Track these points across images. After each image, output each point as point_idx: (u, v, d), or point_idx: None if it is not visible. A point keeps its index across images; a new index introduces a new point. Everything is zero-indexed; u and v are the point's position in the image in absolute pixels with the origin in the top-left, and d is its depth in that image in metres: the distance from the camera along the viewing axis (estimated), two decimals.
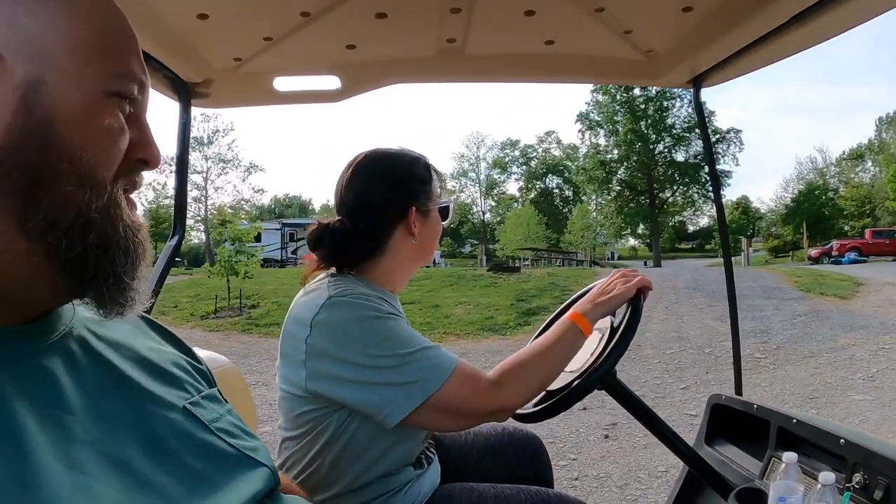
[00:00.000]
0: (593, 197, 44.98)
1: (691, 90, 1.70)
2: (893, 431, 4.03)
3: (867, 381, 5.35)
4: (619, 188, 41.75)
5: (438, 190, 1.26)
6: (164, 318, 10.90)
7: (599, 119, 42.11)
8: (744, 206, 51.54)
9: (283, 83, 1.63)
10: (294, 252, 29.51)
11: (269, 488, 0.66)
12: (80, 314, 0.60)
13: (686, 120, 39.25)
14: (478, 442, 1.41)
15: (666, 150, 40.57)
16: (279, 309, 11.14)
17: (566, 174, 54.05)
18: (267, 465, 0.67)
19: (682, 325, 8.50)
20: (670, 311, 9.38)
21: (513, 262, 27.58)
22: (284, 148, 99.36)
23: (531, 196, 54.50)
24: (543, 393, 1.20)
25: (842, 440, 1.14)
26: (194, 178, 36.97)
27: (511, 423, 1.32)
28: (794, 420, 1.30)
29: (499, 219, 52.82)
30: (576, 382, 1.14)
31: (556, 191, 56.14)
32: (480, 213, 56.92)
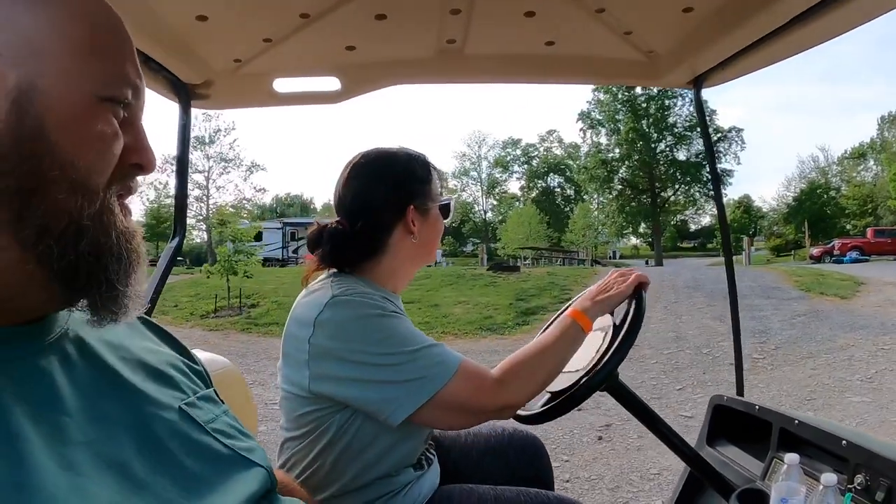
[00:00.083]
0: (595, 196, 44.92)
1: (692, 90, 1.70)
2: (891, 434, 4.01)
3: (865, 383, 5.33)
4: (620, 187, 41.70)
5: (439, 188, 1.26)
6: (164, 318, 10.92)
7: (601, 118, 42.05)
8: (745, 205, 51.47)
9: (282, 84, 1.63)
10: (295, 251, 29.52)
11: (265, 489, 0.66)
12: (76, 315, 0.60)
13: (687, 119, 39.20)
14: (478, 443, 1.41)
15: (667, 148, 40.52)
16: (279, 308, 11.15)
17: (568, 173, 54.04)
18: (263, 465, 0.67)
19: (680, 324, 8.47)
20: (669, 311, 9.35)
21: (513, 261, 27.56)
22: (286, 147, 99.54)
23: (533, 195, 54.51)
24: (548, 394, 1.21)
25: (844, 441, 1.14)
26: (196, 177, 37.12)
27: (511, 425, 1.32)
28: (796, 421, 1.30)
29: (500, 218, 52.82)
30: (581, 382, 1.14)
31: (558, 190, 56.14)
32: (482, 212, 56.96)
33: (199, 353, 1.39)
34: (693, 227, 58.97)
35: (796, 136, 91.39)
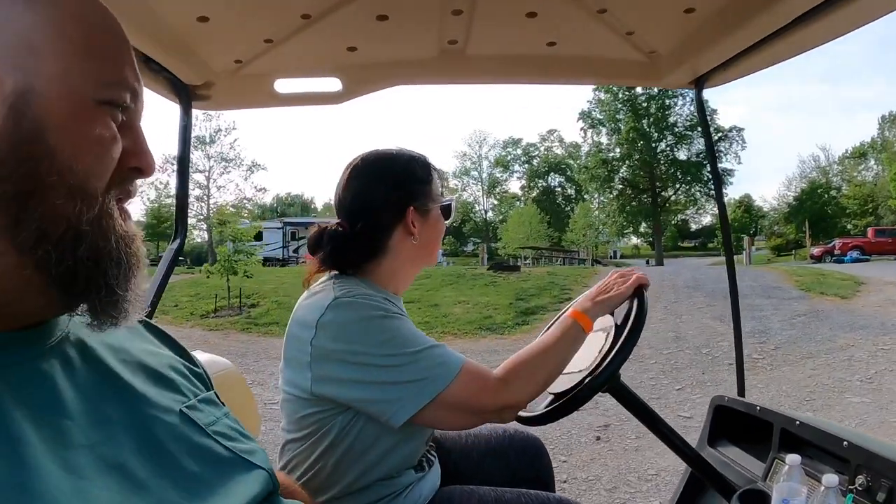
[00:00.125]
0: (595, 195, 44.89)
1: (693, 91, 1.70)
2: (891, 435, 4.00)
3: (865, 383, 5.30)
4: (621, 187, 41.69)
5: (439, 189, 1.25)
6: (164, 318, 10.92)
7: (601, 117, 42.04)
8: (746, 204, 51.39)
9: (283, 85, 1.63)
10: (296, 251, 29.52)
11: (266, 492, 0.66)
12: (76, 319, 0.60)
13: (688, 118, 39.19)
14: (478, 444, 1.41)
15: (668, 148, 40.51)
16: (278, 308, 11.15)
17: (568, 173, 53.95)
18: (264, 467, 0.67)
19: (680, 324, 8.46)
20: (669, 311, 9.33)
21: (514, 260, 27.54)
22: (287, 147, 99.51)
23: (533, 194, 54.44)
24: (551, 395, 1.21)
25: (845, 442, 1.14)
26: (196, 176, 37.11)
27: (512, 425, 1.32)
28: (797, 422, 1.30)
29: (501, 217, 52.76)
30: (583, 384, 1.14)
31: (559, 189, 56.07)
32: (483, 212, 56.91)
33: (200, 355, 1.38)
34: (694, 227, 58.95)
35: (797, 136, 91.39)
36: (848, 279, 11.40)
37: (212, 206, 36.21)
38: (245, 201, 40.49)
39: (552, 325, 1.33)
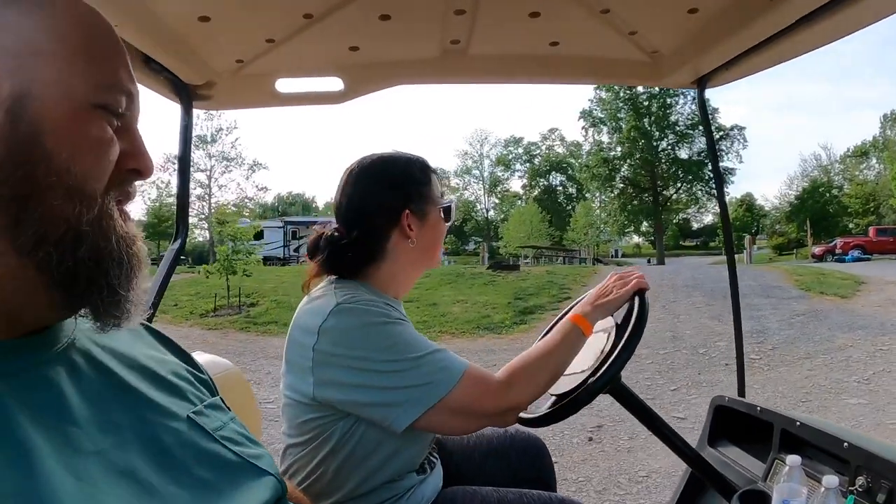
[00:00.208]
0: (597, 194, 44.86)
1: (695, 90, 1.70)
2: (886, 437, 3.98)
3: (862, 384, 5.29)
4: (622, 186, 41.66)
5: (438, 191, 1.25)
6: (164, 317, 10.94)
7: (603, 116, 42.00)
8: (748, 203, 51.34)
9: (285, 85, 1.63)
10: (296, 250, 29.54)
11: (275, 497, 0.66)
12: (82, 325, 0.60)
13: (689, 117, 39.13)
14: (480, 445, 1.41)
15: (669, 147, 40.46)
16: (277, 307, 11.16)
17: (570, 171, 53.88)
18: (272, 473, 0.67)
19: (678, 324, 8.45)
20: (667, 310, 9.33)
21: (514, 259, 27.52)
22: (288, 146, 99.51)
23: (534, 193, 54.35)
24: (553, 397, 1.22)
25: (845, 443, 1.14)
26: (198, 175, 37.13)
27: (513, 426, 1.32)
28: (798, 423, 1.30)
29: (502, 216, 52.69)
30: (584, 385, 1.15)
31: (560, 188, 56.01)
32: (484, 211, 56.89)
33: (201, 356, 1.38)
34: (695, 226, 58.89)
35: (799, 135, 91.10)
36: (848, 278, 11.38)
37: (213, 205, 36.24)
38: (246, 200, 40.55)
39: (552, 327, 1.34)
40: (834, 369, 5.86)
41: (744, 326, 1.78)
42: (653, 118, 39.89)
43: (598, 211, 43.55)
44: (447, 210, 1.26)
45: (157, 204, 39.56)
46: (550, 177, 56.02)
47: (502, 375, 1.08)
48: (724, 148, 38.70)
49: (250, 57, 1.50)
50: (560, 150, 56.68)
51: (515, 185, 58.48)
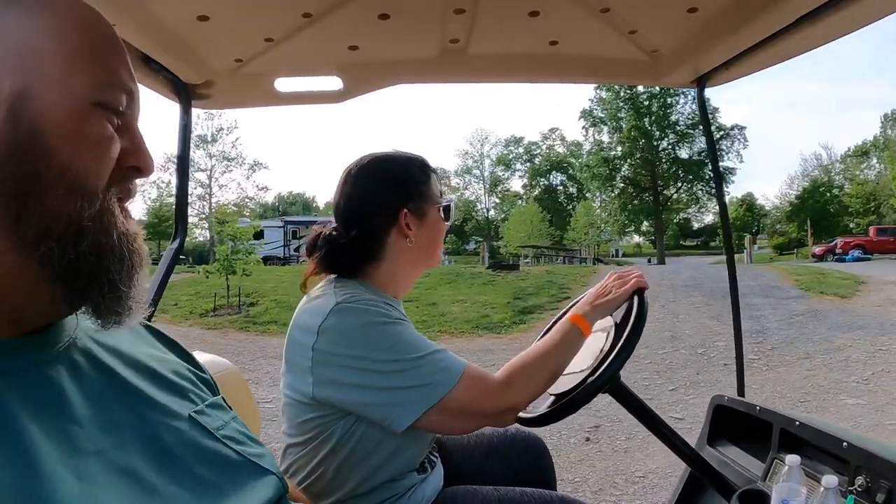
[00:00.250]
0: (597, 194, 44.84)
1: (695, 89, 1.70)
2: (885, 437, 3.97)
3: (861, 384, 5.27)
4: (622, 185, 41.64)
5: (438, 190, 1.25)
6: (164, 316, 10.95)
7: (603, 116, 41.98)
8: (748, 203, 51.30)
9: (284, 84, 1.63)
10: (297, 249, 29.55)
11: (277, 496, 0.66)
12: (83, 324, 0.60)
13: (690, 117, 39.10)
14: (480, 445, 1.41)
15: (670, 146, 40.44)
16: (277, 307, 11.16)
17: (570, 171, 53.83)
18: (274, 472, 0.67)
19: (677, 324, 8.43)
20: (666, 310, 9.31)
21: (514, 259, 27.51)
22: (288, 146, 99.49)
23: (535, 193, 54.26)
24: (552, 397, 1.22)
25: (844, 443, 1.14)
26: (199, 175, 37.12)
27: (513, 425, 1.32)
28: (797, 422, 1.30)
29: (503, 216, 52.64)
30: (583, 385, 1.15)
31: (560, 188, 55.93)
32: (484, 211, 56.84)
33: (200, 355, 1.39)
34: (696, 226, 58.87)
35: (799, 134, 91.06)
36: (848, 278, 11.36)
37: (214, 204, 36.22)
38: (247, 200, 40.52)
39: (550, 327, 1.34)
40: (833, 369, 5.85)
41: (743, 326, 1.78)
42: (653, 118, 39.87)
43: (598, 210, 43.51)
44: (446, 209, 1.26)
45: (158, 204, 39.56)
46: (551, 176, 55.95)
47: (501, 376, 1.08)
48: (724, 147, 38.70)
49: (249, 56, 1.50)
50: (560, 149, 56.65)
51: (516, 184, 58.44)
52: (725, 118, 55.10)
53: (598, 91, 41.38)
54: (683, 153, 40.14)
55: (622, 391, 1.22)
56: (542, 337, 1.33)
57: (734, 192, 50.26)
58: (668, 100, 39.18)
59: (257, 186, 42.84)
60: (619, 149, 41.49)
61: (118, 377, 0.59)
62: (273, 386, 5.60)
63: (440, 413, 1.01)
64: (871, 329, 7.38)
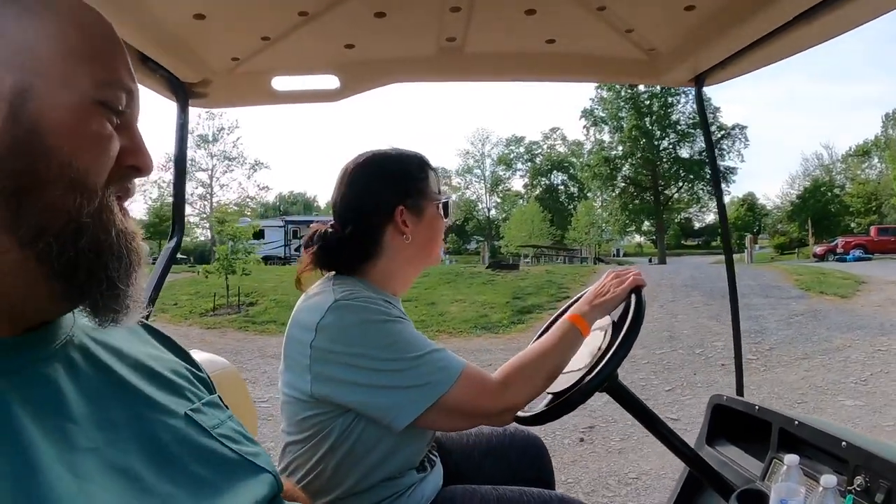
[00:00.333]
0: (598, 193, 44.80)
1: (693, 88, 1.69)
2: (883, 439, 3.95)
3: (859, 385, 5.24)
4: (623, 185, 41.62)
5: (436, 187, 1.24)
6: (164, 316, 10.98)
7: (604, 115, 41.94)
8: (750, 202, 51.22)
9: (281, 83, 1.63)
10: (297, 249, 29.56)
11: (272, 494, 0.66)
12: (80, 322, 0.60)
13: (691, 116, 39.06)
14: (479, 444, 1.41)
15: (671, 146, 40.43)
16: (276, 306, 11.17)
17: (571, 171, 53.78)
18: (269, 470, 0.67)
19: (675, 324, 8.40)
20: (665, 310, 9.29)
21: (514, 259, 27.51)
22: (289, 145, 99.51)
23: (536, 193, 54.20)
24: (549, 395, 1.22)
25: (843, 443, 1.14)
26: (200, 175, 37.14)
27: (513, 425, 1.33)
28: (796, 422, 1.30)
29: (504, 215, 52.63)
30: (581, 384, 1.15)
31: (561, 187, 55.88)
32: (485, 210, 56.84)
33: (198, 354, 1.39)
34: (697, 225, 58.85)
35: (800, 134, 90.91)
36: (849, 278, 11.34)
37: (215, 204, 36.24)
38: (248, 200, 40.54)
39: (548, 326, 1.34)
40: (831, 370, 5.82)
41: (741, 326, 1.78)
42: (654, 117, 39.85)
43: (599, 210, 43.48)
44: (445, 206, 1.25)
45: (159, 203, 39.61)
46: (552, 176, 55.90)
47: (500, 375, 1.08)
48: (725, 147, 38.69)
49: (246, 55, 1.50)
50: (561, 149, 56.58)
51: (517, 184, 58.37)
52: (726, 118, 55.04)
53: (598, 90, 41.39)
54: (684, 152, 40.14)
55: (620, 390, 1.22)
56: (539, 337, 1.33)
57: (735, 191, 50.33)
58: (669, 99, 39.15)
59: (258, 186, 42.70)
60: (620, 148, 41.46)
61: (115, 375, 0.59)
62: (270, 385, 5.61)
63: (438, 412, 1.01)
64: (870, 329, 7.35)
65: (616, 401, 1.23)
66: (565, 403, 1.14)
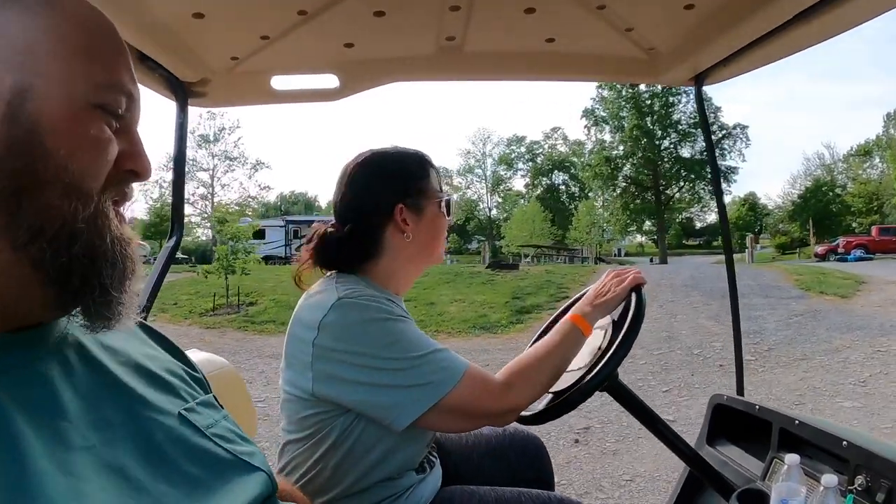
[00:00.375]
0: (599, 193, 44.76)
1: (693, 87, 1.69)
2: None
3: (858, 387, 5.21)
4: (624, 184, 41.58)
5: (437, 185, 1.24)
6: (163, 315, 10.99)
7: (605, 115, 41.91)
8: (751, 202, 51.14)
9: (280, 82, 1.63)
10: (298, 249, 29.52)
11: (266, 493, 0.66)
12: (74, 320, 0.60)
13: (692, 115, 38.98)
14: (478, 445, 1.41)
15: (672, 145, 40.38)
16: (276, 306, 11.18)
17: (572, 170, 53.77)
18: (264, 469, 0.67)
19: (674, 324, 8.38)
20: (664, 310, 9.26)
21: (515, 259, 27.48)
22: (290, 145, 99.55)
23: (537, 192, 54.18)
24: (549, 395, 1.22)
25: (844, 442, 1.14)
26: (201, 175, 37.16)
27: (512, 425, 1.33)
28: (797, 421, 1.30)
29: (505, 215, 52.60)
30: (581, 383, 1.15)
31: (563, 187, 55.86)
32: (486, 210, 56.83)
33: (197, 354, 1.39)
34: (699, 225, 58.78)
35: (802, 134, 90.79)
36: (849, 278, 11.31)
37: (216, 204, 36.24)
38: (249, 199, 40.56)
39: (547, 326, 1.34)
40: (830, 371, 5.79)
41: (741, 326, 1.78)
42: (655, 117, 39.80)
43: (600, 210, 43.44)
44: (446, 204, 1.24)
45: (160, 203, 39.64)
46: (553, 175, 55.89)
47: (502, 376, 1.08)
48: (726, 147, 38.63)
49: (245, 54, 1.50)
50: (563, 148, 56.57)
51: (518, 183, 58.36)
52: (728, 117, 55.07)
53: (599, 90, 41.34)
54: (685, 152, 40.08)
55: (620, 389, 1.22)
56: (538, 337, 1.33)
57: (737, 191, 50.31)
58: (671, 98, 39.10)
59: (260, 186, 42.66)
60: (622, 148, 41.41)
61: (110, 374, 0.59)
62: (267, 385, 5.61)
63: (440, 412, 1.01)
64: (870, 330, 7.32)
65: (616, 400, 1.23)
66: (566, 403, 1.14)
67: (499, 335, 8.95)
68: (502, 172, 56.98)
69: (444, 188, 1.28)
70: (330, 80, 1.64)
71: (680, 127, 39.79)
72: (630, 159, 41.05)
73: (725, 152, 38.50)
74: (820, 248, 26.15)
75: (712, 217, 51.03)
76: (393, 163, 1.21)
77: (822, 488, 0.90)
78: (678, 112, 39.73)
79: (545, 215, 39.71)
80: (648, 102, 39.73)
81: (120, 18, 1.16)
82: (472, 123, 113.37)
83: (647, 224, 44.43)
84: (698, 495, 1.56)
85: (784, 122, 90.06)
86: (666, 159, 40.46)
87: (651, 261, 36.25)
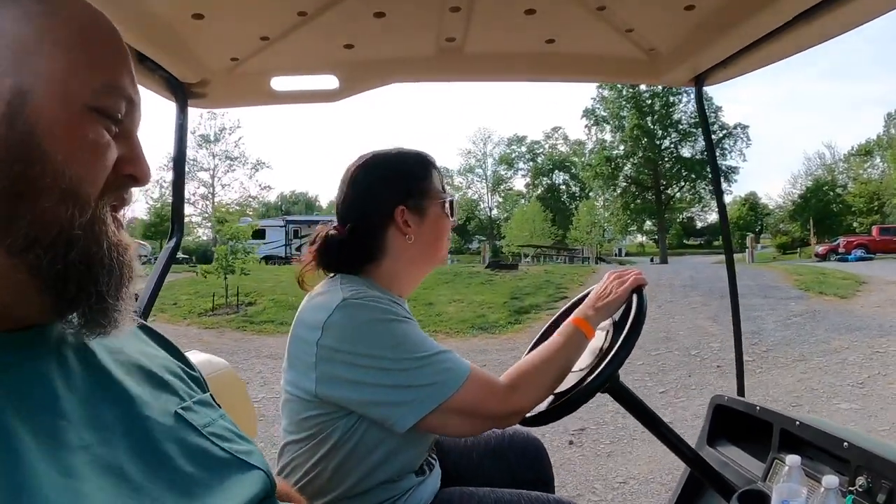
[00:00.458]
0: (600, 193, 44.73)
1: (693, 88, 1.70)
2: None
3: (856, 388, 5.17)
4: (625, 184, 41.56)
5: (439, 186, 1.24)
6: (163, 315, 10.97)
7: (605, 115, 41.89)
8: (752, 202, 51.08)
9: (280, 83, 1.63)
10: (298, 249, 29.55)
11: (264, 492, 0.66)
12: (71, 327, 0.60)
13: (692, 115, 38.93)
14: (478, 445, 1.41)
15: (672, 145, 40.37)
16: (275, 306, 11.16)
17: (573, 170, 53.74)
18: (262, 468, 0.67)
19: (672, 324, 8.33)
20: (663, 311, 9.21)
21: (514, 258, 27.46)
22: (291, 145, 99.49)
23: (538, 192, 54.16)
24: (551, 396, 1.21)
25: (845, 443, 1.14)
26: (201, 175, 37.19)
27: (512, 426, 1.34)
28: (797, 422, 1.30)
29: (506, 215, 52.59)
30: (582, 385, 1.15)
31: (563, 187, 55.84)
32: (487, 210, 56.82)
33: (196, 355, 1.39)
34: (699, 225, 58.68)
35: (803, 133, 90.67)
36: (849, 278, 11.27)
37: (216, 204, 36.24)
38: (250, 199, 40.58)
39: (547, 327, 1.34)
40: (828, 372, 5.75)
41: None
42: (656, 116, 39.78)
43: (601, 210, 43.41)
44: (450, 205, 1.24)
45: (160, 203, 39.65)
46: (553, 175, 55.89)
47: (506, 379, 1.08)
48: (727, 146, 38.59)
49: (245, 55, 1.50)
50: (563, 148, 56.58)
51: (518, 183, 58.37)
52: (728, 117, 55.04)
53: (600, 90, 41.30)
54: (686, 152, 40.06)
55: (621, 390, 1.22)
56: (538, 339, 1.33)
57: (737, 191, 50.24)
58: (671, 98, 39.08)
59: (260, 186, 42.68)
60: (622, 148, 41.39)
61: (106, 373, 0.59)
62: (264, 385, 5.60)
63: (443, 414, 1.01)
64: (869, 330, 7.27)
65: (617, 401, 1.23)
66: (567, 404, 1.14)
67: (497, 335, 8.92)
68: (503, 172, 57.01)
69: (447, 189, 1.28)
70: (330, 81, 1.64)
71: (680, 126, 39.77)
72: (631, 159, 41.04)
73: (726, 152, 38.47)
74: (820, 248, 26.11)
75: (713, 217, 50.94)
76: (394, 164, 1.20)
77: (822, 489, 0.90)
78: (679, 112, 39.73)
79: (546, 215, 39.70)
80: (649, 102, 39.71)
81: (120, 19, 1.16)
82: (473, 123, 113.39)
83: (648, 224, 44.42)
84: (699, 496, 1.56)
85: (785, 122, 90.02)
86: (666, 159, 40.44)
87: (651, 261, 36.22)
